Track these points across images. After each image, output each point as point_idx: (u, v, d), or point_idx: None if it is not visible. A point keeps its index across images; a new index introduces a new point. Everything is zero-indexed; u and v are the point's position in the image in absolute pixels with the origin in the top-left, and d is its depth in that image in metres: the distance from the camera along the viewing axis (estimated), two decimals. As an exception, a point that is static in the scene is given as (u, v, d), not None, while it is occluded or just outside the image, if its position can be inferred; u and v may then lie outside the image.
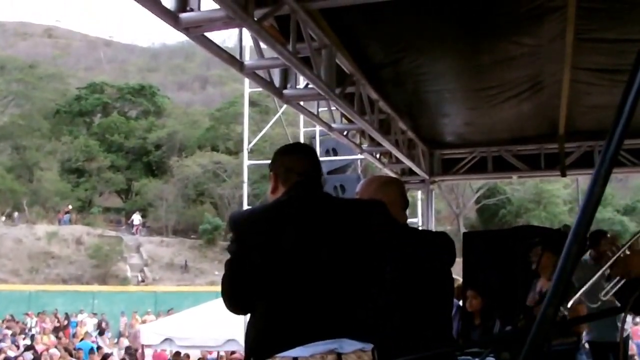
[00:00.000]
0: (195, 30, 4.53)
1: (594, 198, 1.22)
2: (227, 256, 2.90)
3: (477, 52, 6.54)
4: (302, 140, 12.04)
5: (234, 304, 2.90)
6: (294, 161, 3.06)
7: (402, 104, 7.98)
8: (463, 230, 38.13)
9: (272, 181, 3.06)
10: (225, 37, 61.88)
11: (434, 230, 8.91)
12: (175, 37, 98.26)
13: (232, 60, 5.23)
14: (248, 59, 5.74)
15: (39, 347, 18.66)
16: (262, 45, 5.20)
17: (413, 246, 3.36)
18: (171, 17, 4.27)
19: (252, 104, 14.56)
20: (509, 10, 5.69)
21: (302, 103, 6.67)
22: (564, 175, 9.83)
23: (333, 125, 7.45)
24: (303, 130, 13.42)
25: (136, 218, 48.75)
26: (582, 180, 18.77)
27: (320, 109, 7.35)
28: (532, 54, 6.55)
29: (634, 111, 1.17)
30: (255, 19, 4.59)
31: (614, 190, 43.72)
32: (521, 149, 9.90)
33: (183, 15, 4.32)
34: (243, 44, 5.48)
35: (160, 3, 4.15)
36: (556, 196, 44.25)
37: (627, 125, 1.16)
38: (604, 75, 7.06)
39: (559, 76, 7.10)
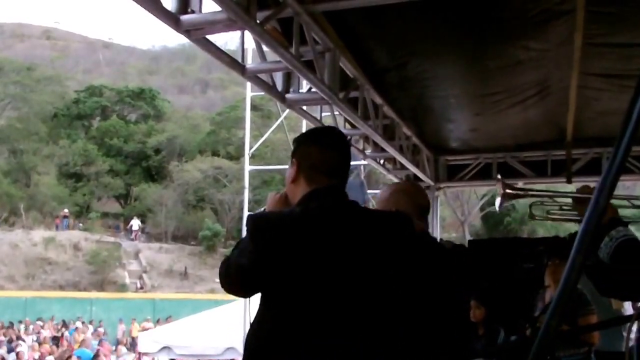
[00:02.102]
0: (197, 33, 4.45)
1: (599, 209, 1.23)
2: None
3: (483, 56, 6.43)
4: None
5: (237, 295, 2.82)
6: (322, 156, 2.68)
7: (407, 109, 7.87)
8: (468, 237, 38.12)
9: (292, 168, 2.71)
10: (227, 40, 61.93)
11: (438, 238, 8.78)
12: (176, 39, 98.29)
13: (234, 63, 5.15)
14: (250, 62, 5.65)
15: (35, 355, 18.52)
16: (265, 48, 5.09)
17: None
18: (172, 19, 4.18)
19: (254, 108, 14.43)
20: (516, 15, 5.59)
21: (305, 108, 6.58)
22: (570, 182, 9.71)
23: (337, 130, 7.28)
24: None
25: (135, 224, 48.61)
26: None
27: (323, 114, 7.26)
28: (540, 59, 6.44)
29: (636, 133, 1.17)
30: (258, 21, 4.50)
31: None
32: (527, 156, 9.80)
33: (184, 17, 4.24)
34: (245, 46, 5.38)
35: (161, 4, 4.06)
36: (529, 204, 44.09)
37: (634, 136, 1.17)
38: (613, 81, 6.95)
39: (566, 82, 7.00)
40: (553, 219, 3.65)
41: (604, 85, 7.06)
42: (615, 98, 7.37)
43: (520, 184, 10.47)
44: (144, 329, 25.78)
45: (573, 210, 3.46)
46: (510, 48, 6.24)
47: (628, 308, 10.01)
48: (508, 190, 3.52)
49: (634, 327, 3.08)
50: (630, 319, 3.18)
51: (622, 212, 3.57)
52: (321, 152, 2.69)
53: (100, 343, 19.04)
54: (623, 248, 3.03)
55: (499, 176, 3.48)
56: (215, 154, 52.47)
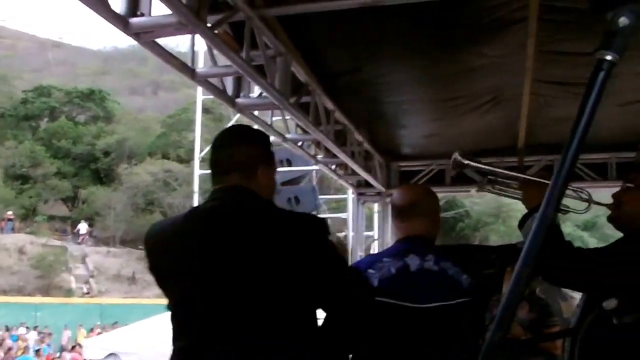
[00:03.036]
0: (146, 36, 4.34)
1: (546, 220, 1.24)
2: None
3: (438, 62, 6.40)
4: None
5: None
6: (212, 157, 2.79)
7: (360, 115, 7.82)
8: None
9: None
10: (179, 42, 61.61)
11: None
12: (127, 40, 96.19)
13: (184, 67, 5.04)
14: (202, 64, 5.55)
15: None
16: (216, 52, 5.00)
17: None
18: (121, 22, 4.06)
19: (206, 110, 14.23)
20: (471, 21, 5.57)
21: (256, 113, 6.49)
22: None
23: (287, 135, 7.28)
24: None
25: (82, 227, 47.95)
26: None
27: (275, 118, 7.17)
28: (494, 65, 6.44)
29: (584, 141, 1.28)
30: (209, 25, 4.42)
31: (574, 205, 44.31)
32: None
33: (133, 20, 4.12)
34: (196, 49, 5.30)
35: (109, 6, 3.93)
36: (515, 210, 44.55)
37: (580, 147, 1.29)
38: (565, 88, 6.99)
39: (520, 89, 7.02)
40: (499, 194, 3.74)
41: (556, 92, 7.10)
42: (568, 105, 7.40)
43: (472, 191, 10.54)
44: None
45: (519, 191, 3.48)
46: (464, 54, 6.22)
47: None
48: (461, 160, 3.55)
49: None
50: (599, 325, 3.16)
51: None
52: (212, 154, 2.79)
53: (37, 353, 18.66)
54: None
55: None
56: (165, 156, 52.15)
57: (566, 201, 3.49)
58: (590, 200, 3.47)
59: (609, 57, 1.32)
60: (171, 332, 2.63)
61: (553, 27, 5.58)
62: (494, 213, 44.76)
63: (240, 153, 2.74)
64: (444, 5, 5.11)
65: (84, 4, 3.69)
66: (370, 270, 3.32)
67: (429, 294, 3.22)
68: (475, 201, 43.86)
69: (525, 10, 5.36)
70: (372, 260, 3.45)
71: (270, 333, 2.47)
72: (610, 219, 3.21)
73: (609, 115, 7.99)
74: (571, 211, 3.51)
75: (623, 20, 1.27)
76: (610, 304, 2.78)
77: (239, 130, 3.04)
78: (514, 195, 3.56)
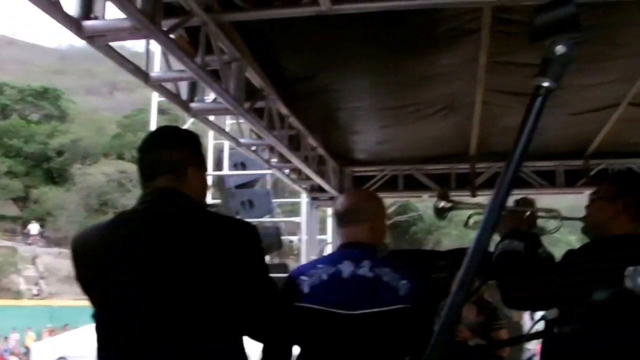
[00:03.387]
0: (100, 40, 4.30)
1: (487, 230, 1.31)
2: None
3: (392, 70, 6.48)
4: (210, 153, 11.75)
5: None
6: (138, 162, 2.69)
7: (314, 120, 7.86)
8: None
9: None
10: (135, 42, 60.85)
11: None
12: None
13: (137, 71, 5.03)
14: (158, 67, 5.54)
15: None
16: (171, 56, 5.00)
17: None
18: (74, 24, 4.01)
19: (162, 112, 14.11)
20: (425, 31, 5.65)
21: (211, 117, 6.50)
22: (474, 195, 9.91)
23: (241, 140, 7.30)
24: (213, 142, 13.07)
25: (33, 228, 47.15)
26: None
27: (231, 122, 7.17)
28: (447, 74, 6.55)
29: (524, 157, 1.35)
30: (165, 29, 4.40)
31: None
32: (432, 169, 9.94)
33: (86, 23, 4.07)
34: (154, 51, 5.26)
35: (62, 9, 3.87)
36: (467, 215, 45.06)
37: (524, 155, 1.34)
38: (516, 98, 7.12)
39: (472, 97, 7.14)
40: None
41: (507, 102, 7.23)
42: (519, 115, 7.40)
43: (425, 196, 10.66)
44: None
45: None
46: (418, 63, 6.31)
47: (527, 321, 10.30)
48: (443, 204, 3.60)
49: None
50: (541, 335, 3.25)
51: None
52: (139, 158, 2.70)
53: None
54: (496, 263, 3.16)
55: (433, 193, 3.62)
56: (120, 157, 51.59)
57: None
58: (562, 218, 3.55)
59: (545, 84, 1.39)
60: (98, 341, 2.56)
61: (505, 38, 5.69)
62: (446, 217, 45.08)
63: (169, 155, 2.65)
64: (398, 15, 5.17)
65: (36, 5, 3.65)
66: (303, 277, 3.30)
67: (360, 301, 3.17)
68: (428, 205, 43.94)
69: (478, 22, 5.46)
70: (307, 267, 3.43)
71: (204, 336, 2.42)
72: (583, 231, 3.34)
73: (558, 124, 8.17)
74: (546, 233, 3.59)
75: (560, 49, 1.34)
76: (551, 313, 2.87)
77: (167, 132, 2.92)
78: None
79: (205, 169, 2.81)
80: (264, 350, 3.18)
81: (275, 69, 6.38)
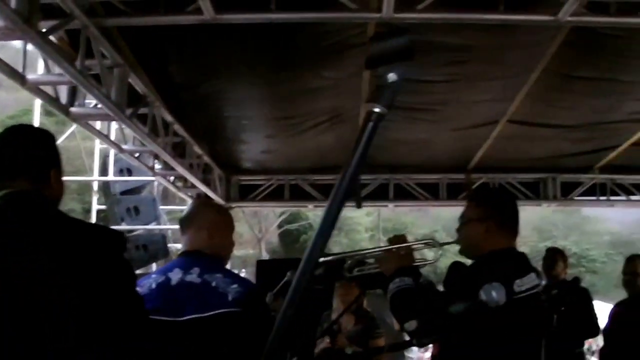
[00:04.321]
0: (-27, 39, 4.13)
1: (312, 259, 1.32)
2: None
3: (277, 81, 6.53)
4: (96, 158, 11.47)
5: None
6: None
7: (200, 128, 7.80)
8: (265, 254, 38.42)
9: None
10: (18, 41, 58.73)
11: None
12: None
13: (13, 73, 4.80)
14: (42, 69, 5.35)
15: None
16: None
17: None
18: (-55, 22, 3.84)
19: (48, 113, 13.65)
20: (312, 44, 5.73)
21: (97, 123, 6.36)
22: (359, 206, 10.08)
23: (124, 146, 7.15)
24: (99, 146, 12.71)
25: None
26: (384, 208, 19.56)
27: (117, 127, 7.02)
28: (332, 87, 6.63)
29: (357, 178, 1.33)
30: (44, 30, 4.28)
31: (414, 219, 45.78)
32: (318, 179, 10.04)
33: (-41, 22, 3.91)
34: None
35: None
36: (358, 223, 45.51)
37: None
38: (400, 113, 7.30)
39: (357, 110, 7.26)
40: (363, 275, 3.69)
41: (392, 116, 7.35)
42: (404, 129, 7.75)
43: (310, 206, 10.75)
44: None
45: (376, 264, 3.56)
46: (303, 75, 6.38)
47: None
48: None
49: (414, 349, 3.25)
50: (412, 344, 3.33)
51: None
52: None
53: None
54: (393, 300, 3.21)
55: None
56: (4, 158, 49.62)
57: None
58: (439, 244, 3.62)
59: (377, 110, 1.44)
60: None
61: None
62: (337, 226, 45.46)
63: (29, 155, 2.41)
64: (284, 27, 5.22)
65: None
66: (137, 288, 3.03)
67: (186, 307, 3.12)
68: (318, 214, 44.27)
69: (363, 36, 5.56)
70: (144, 278, 3.39)
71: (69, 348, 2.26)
72: (460, 252, 3.46)
73: (442, 139, 8.42)
74: (428, 263, 3.65)
75: (392, 76, 1.39)
76: (410, 325, 2.96)
77: (26, 130, 2.63)
78: (373, 270, 3.61)
79: (63, 171, 2.58)
80: None
81: (161, 75, 6.31)
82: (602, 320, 7.13)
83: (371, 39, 1.42)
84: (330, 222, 1.28)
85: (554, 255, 7.22)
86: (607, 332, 6.48)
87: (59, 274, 2.26)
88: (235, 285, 3.17)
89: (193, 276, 3.21)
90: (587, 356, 9.81)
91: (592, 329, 6.88)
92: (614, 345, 6.30)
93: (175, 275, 3.23)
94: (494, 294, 2.61)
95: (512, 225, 3.34)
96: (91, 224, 2.80)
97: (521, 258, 3.30)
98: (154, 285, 3.22)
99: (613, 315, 6.42)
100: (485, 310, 2.62)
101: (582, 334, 7.00)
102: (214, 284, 3.18)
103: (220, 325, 3.09)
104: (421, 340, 2.84)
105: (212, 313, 3.11)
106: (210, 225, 3.41)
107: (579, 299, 6.69)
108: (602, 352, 6.60)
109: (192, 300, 3.14)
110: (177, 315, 3.12)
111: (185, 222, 3.44)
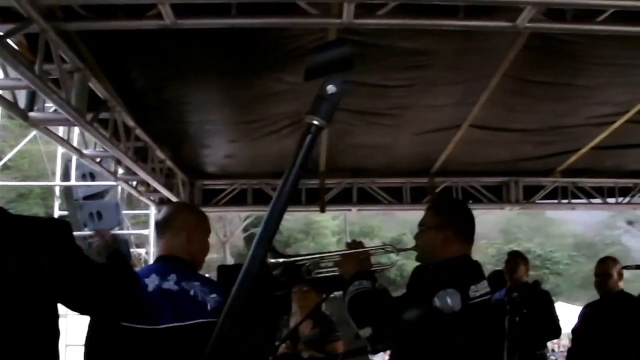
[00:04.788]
0: None
1: (256, 259, 1.30)
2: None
3: (241, 86, 6.52)
4: (58, 161, 11.36)
5: None
6: None
7: (163, 133, 7.76)
8: (229, 258, 38.19)
9: None
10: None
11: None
12: None
13: (-33, 77, 4.75)
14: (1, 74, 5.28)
15: None
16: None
17: None
18: None
19: (11, 116, 13.47)
20: (273, 48, 5.72)
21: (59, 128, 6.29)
22: (323, 210, 10.09)
23: (85, 151, 7.10)
24: (61, 150, 12.60)
25: None
26: (349, 212, 19.58)
27: (78, 132, 6.96)
28: (293, 91, 6.63)
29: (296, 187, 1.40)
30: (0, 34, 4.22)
31: (381, 223, 45.84)
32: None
33: None
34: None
35: None
36: (325, 227, 45.39)
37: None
38: (363, 117, 7.34)
39: (319, 115, 7.23)
40: (320, 278, 3.77)
41: (354, 120, 7.41)
42: (365, 132, 7.79)
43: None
44: None
45: (335, 267, 3.63)
46: (263, 80, 6.37)
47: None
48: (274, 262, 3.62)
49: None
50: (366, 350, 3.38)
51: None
52: None
53: None
54: (351, 303, 3.27)
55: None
56: (-34, 162, 48.87)
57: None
58: (397, 250, 3.74)
59: (315, 122, 1.43)
60: None
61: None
62: (304, 230, 45.35)
63: None
64: (245, 32, 5.21)
65: None
66: None
67: (164, 315, 3.07)
68: (286, 218, 43.77)
69: (324, 41, 5.56)
70: None
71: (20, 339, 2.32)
72: (417, 259, 3.54)
73: (405, 143, 8.46)
74: (384, 268, 3.79)
75: (331, 88, 1.39)
76: (365, 332, 2.98)
77: None
78: (333, 273, 3.65)
79: None
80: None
81: (122, 80, 6.26)
82: (566, 322, 7.25)
83: (311, 51, 1.43)
84: (271, 231, 1.28)
85: (516, 259, 7.33)
86: (576, 332, 6.58)
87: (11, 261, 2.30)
88: (214, 295, 3.14)
89: (170, 283, 3.16)
90: (551, 358, 9.96)
91: (554, 331, 6.99)
92: (582, 345, 6.41)
93: (153, 282, 3.17)
94: (449, 300, 2.65)
95: (468, 234, 3.44)
96: (33, 216, 2.77)
97: (475, 265, 3.38)
98: None
99: (583, 316, 6.54)
100: (440, 316, 2.65)
101: (543, 336, 7.10)
102: (192, 292, 3.14)
103: (198, 335, 3.03)
104: (375, 347, 2.86)
105: (191, 322, 3.06)
106: (188, 230, 3.35)
107: (540, 302, 6.80)
108: (570, 352, 6.70)
109: (170, 308, 3.08)
110: (154, 323, 3.06)
111: (162, 226, 3.39)
